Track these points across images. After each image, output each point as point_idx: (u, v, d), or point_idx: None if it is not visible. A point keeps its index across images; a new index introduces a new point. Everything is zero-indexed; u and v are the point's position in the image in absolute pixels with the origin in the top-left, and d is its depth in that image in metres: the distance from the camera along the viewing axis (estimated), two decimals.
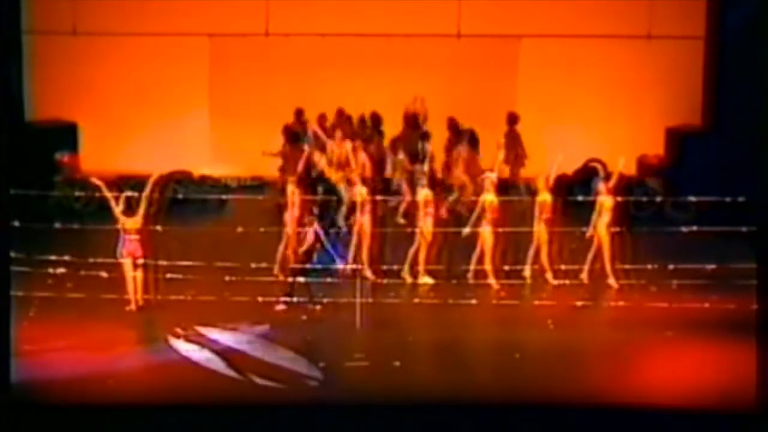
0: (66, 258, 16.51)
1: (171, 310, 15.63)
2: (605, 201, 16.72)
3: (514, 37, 22.42)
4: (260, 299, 15.77)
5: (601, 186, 16.85)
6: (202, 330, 15.01)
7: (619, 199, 16.75)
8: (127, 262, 15.64)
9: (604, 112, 22.35)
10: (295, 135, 19.77)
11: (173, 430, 12.65)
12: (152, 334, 15.14)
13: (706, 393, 13.16)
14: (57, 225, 16.88)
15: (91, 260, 16.25)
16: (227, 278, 16.06)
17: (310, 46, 22.21)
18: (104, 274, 16.02)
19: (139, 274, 15.67)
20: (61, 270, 16.40)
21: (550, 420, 12.69)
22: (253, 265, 16.32)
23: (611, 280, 16.62)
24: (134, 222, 15.63)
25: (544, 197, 16.85)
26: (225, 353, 14.26)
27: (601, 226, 16.66)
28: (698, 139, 21.34)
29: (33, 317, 14.94)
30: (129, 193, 15.81)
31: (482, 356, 14.39)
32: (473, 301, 15.96)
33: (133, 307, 15.65)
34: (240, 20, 22.20)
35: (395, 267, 16.90)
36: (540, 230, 16.78)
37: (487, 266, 16.62)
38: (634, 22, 21.86)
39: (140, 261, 15.63)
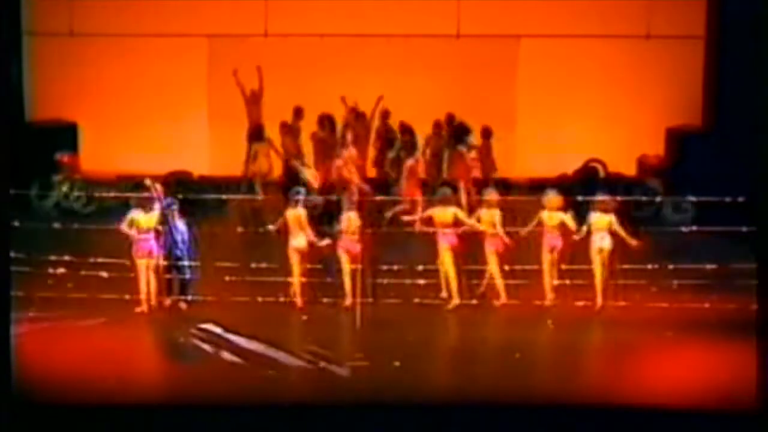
0: (66, 258, 16.53)
1: (171, 310, 15.65)
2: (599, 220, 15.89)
3: (514, 37, 22.42)
4: (260, 299, 15.78)
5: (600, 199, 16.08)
6: (203, 329, 15.01)
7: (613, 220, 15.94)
8: (142, 263, 15.59)
9: (604, 112, 22.33)
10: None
11: (173, 430, 12.66)
12: (152, 334, 15.15)
13: (706, 393, 13.16)
14: (57, 225, 16.88)
15: (91, 260, 16.27)
16: (227, 278, 16.07)
17: (309, 47, 22.20)
18: (104, 274, 16.03)
19: (153, 274, 15.65)
20: (61, 270, 16.41)
21: (550, 420, 12.68)
22: (253, 265, 16.32)
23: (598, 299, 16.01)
24: (148, 221, 15.60)
25: (555, 219, 15.94)
26: (226, 353, 14.27)
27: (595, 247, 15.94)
28: (698, 139, 21.34)
29: (33, 317, 14.94)
30: (146, 194, 15.81)
31: (482, 356, 14.39)
32: (473, 301, 15.97)
33: (145, 308, 15.63)
34: (239, 21, 22.20)
35: (395, 267, 16.91)
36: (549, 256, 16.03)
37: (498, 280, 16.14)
38: (634, 22, 21.86)
39: (154, 261, 15.62)
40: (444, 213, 15.99)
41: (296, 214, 15.96)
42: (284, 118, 21.12)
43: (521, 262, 16.75)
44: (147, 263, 15.56)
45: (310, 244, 15.88)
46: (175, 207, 15.77)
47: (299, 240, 15.90)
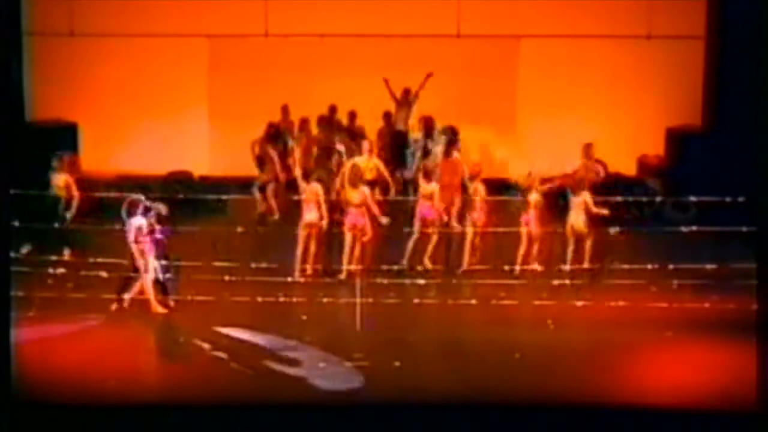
0: (66, 258, 16.52)
1: (171, 310, 15.64)
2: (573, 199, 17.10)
3: (514, 37, 22.42)
4: (260, 299, 15.78)
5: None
6: (202, 330, 15.00)
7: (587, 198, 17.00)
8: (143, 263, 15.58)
9: (604, 112, 22.34)
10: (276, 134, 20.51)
11: (173, 430, 12.65)
12: (152, 334, 15.15)
13: (706, 393, 13.16)
14: (57, 225, 16.89)
15: (91, 260, 16.27)
16: (227, 278, 16.07)
17: (309, 47, 22.22)
18: (104, 274, 16.03)
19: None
20: (61, 270, 16.41)
21: (550, 420, 12.68)
22: (253, 265, 16.32)
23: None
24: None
25: (535, 197, 17.17)
26: (225, 353, 14.26)
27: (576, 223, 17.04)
28: (698, 139, 21.34)
29: (33, 317, 14.93)
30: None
31: (482, 356, 14.37)
32: (473, 301, 15.97)
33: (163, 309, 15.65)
34: (239, 21, 22.20)
35: (395, 267, 16.96)
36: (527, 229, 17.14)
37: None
38: (634, 22, 21.85)
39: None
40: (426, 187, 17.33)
41: (313, 189, 16.78)
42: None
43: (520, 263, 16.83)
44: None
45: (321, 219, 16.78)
46: (155, 212, 15.74)
47: (312, 214, 16.71)
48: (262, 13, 22.06)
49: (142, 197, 15.76)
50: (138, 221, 15.50)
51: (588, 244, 16.96)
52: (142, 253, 15.45)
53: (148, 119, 22.51)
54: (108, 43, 22.15)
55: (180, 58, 22.54)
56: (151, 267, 15.49)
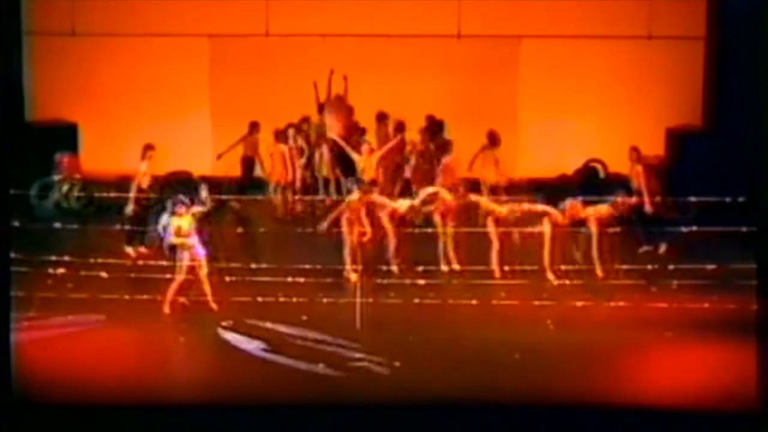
0: (66, 258, 16.54)
1: (172, 310, 15.65)
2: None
3: (514, 37, 22.42)
4: (260, 299, 15.78)
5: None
6: (202, 330, 15.00)
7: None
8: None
9: (604, 112, 22.35)
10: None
11: (173, 430, 12.66)
12: (152, 334, 15.15)
13: (706, 393, 13.16)
14: (57, 225, 16.89)
15: (91, 260, 16.27)
16: (227, 278, 16.07)
17: (310, 47, 22.21)
18: (104, 274, 16.04)
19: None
20: (61, 270, 16.41)
21: (550, 420, 12.69)
22: (253, 266, 16.32)
23: (597, 269, 16.79)
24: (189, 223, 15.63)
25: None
26: (225, 353, 14.27)
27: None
28: (698, 139, 21.34)
29: (33, 317, 14.94)
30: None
31: (482, 356, 14.38)
32: (473, 301, 15.97)
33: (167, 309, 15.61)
34: (240, 21, 22.20)
35: (394, 267, 16.96)
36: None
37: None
38: (634, 23, 21.86)
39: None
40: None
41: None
42: (283, 118, 21.12)
43: (522, 263, 16.83)
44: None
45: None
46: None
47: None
48: (263, 13, 22.07)
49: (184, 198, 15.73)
50: (177, 221, 15.44)
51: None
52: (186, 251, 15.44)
53: (149, 119, 22.47)
54: (109, 42, 22.15)
55: (181, 58, 22.54)
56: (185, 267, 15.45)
